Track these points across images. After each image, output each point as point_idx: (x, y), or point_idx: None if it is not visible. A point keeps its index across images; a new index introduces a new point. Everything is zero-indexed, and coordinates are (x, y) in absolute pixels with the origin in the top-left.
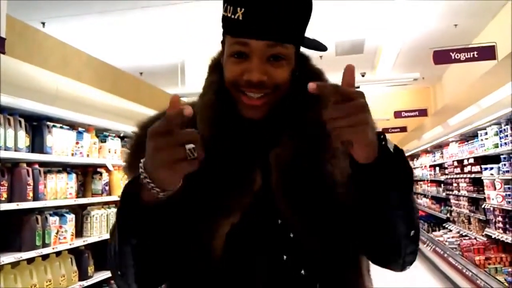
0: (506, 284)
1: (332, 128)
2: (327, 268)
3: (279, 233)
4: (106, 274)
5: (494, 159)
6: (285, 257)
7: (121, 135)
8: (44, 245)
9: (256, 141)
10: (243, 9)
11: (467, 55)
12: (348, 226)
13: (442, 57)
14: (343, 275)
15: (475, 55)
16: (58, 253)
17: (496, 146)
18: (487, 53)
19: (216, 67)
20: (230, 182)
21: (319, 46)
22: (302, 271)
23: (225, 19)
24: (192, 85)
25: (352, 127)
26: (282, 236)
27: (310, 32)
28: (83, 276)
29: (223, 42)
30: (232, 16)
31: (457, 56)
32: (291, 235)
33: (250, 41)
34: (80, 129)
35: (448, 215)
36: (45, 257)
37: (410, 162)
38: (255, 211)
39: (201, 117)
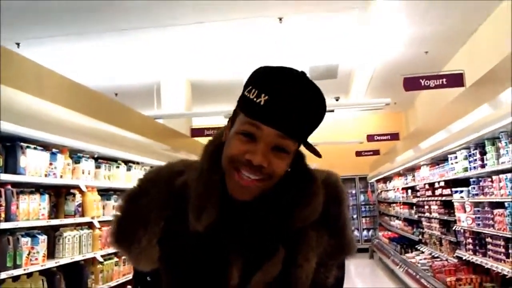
0: None
1: None
2: None
3: None
4: None
5: (463, 182)
6: None
7: (95, 156)
8: (15, 266)
9: (240, 233)
10: (267, 97)
11: (436, 82)
12: None
13: (412, 83)
14: None
15: (444, 82)
16: (29, 275)
17: (465, 169)
18: (455, 80)
19: (213, 152)
20: (210, 273)
21: (315, 151)
22: None
23: (245, 100)
24: (167, 107)
25: None
26: None
27: (287, 56)
28: None
29: (232, 120)
30: (255, 100)
31: (427, 83)
32: None
33: (264, 127)
34: (54, 150)
35: (420, 237)
36: (15, 278)
37: (383, 185)
38: None
39: (196, 210)
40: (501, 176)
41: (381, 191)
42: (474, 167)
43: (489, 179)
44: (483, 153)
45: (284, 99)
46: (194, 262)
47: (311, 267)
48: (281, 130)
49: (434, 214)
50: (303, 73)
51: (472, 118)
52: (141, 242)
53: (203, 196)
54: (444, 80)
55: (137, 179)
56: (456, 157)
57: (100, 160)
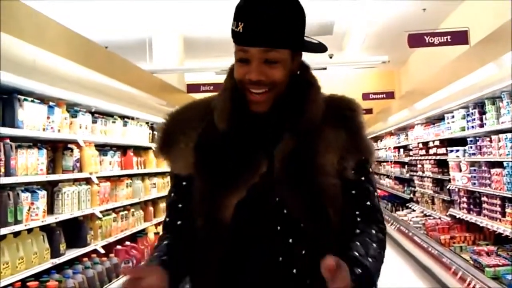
0: (471, 262)
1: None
2: (311, 239)
3: (276, 209)
4: (78, 251)
5: (459, 141)
6: (279, 227)
7: (92, 110)
8: (16, 222)
9: (263, 133)
10: (242, 23)
11: (441, 39)
12: (331, 208)
13: (416, 40)
14: (325, 246)
15: (448, 39)
16: (30, 230)
17: (463, 129)
18: (459, 37)
19: (232, 71)
20: (241, 165)
21: (317, 48)
22: (290, 240)
23: (232, 32)
24: (159, 62)
25: None
26: (277, 211)
27: None
28: (55, 253)
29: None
30: (235, 29)
31: (431, 40)
32: (285, 211)
33: (249, 49)
34: (50, 103)
35: (411, 195)
36: (16, 234)
37: (374, 144)
38: (258, 189)
39: (219, 112)
40: (500, 135)
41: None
42: (472, 127)
43: (488, 139)
44: (482, 112)
45: (255, 20)
46: (225, 158)
47: (333, 158)
48: (262, 45)
49: (427, 173)
50: None
51: (475, 77)
52: (179, 145)
53: (225, 102)
54: (449, 37)
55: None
56: (453, 116)
57: (96, 114)
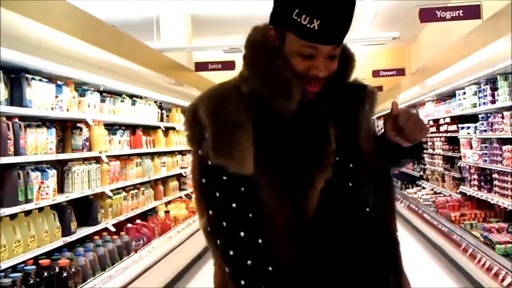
0: (482, 239)
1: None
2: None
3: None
4: (89, 230)
5: (471, 118)
6: (368, 209)
7: (101, 89)
8: (27, 200)
9: (315, 118)
10: (319, 21)
11: (453, 13)
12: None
13: (427, 15)
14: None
15: (461, 14)
16: (41, 209)
17: (474, 105)
18: (472, 12)
19: (269, 51)
20: (316, 145)
21: None
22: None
23: (298, 25)
24: (167, 40)
25: (423, 131)
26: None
27: None
28: (66, 232)
29: (278, 32)
30: (309, 25)
31: (443, 14)
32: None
33: (320, 46)
34: (59, 82)
35: (421, 173)
36: (27, 213)
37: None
38: (339, 168)
39: (283, 97)
40: None
41: (381, 128)
42: (484, 103)
43: (499, 115)
44: (494, 88)
45: (332, 19)
46: (292, 141)
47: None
48: (335, 44)
49: (438, 151)
50: None
51: (488, 52)
52: (241, 143)
53: (286, 80)
54: (461, 11)
55: (197, 99)
56: (464, 93)
57: (104, 93)
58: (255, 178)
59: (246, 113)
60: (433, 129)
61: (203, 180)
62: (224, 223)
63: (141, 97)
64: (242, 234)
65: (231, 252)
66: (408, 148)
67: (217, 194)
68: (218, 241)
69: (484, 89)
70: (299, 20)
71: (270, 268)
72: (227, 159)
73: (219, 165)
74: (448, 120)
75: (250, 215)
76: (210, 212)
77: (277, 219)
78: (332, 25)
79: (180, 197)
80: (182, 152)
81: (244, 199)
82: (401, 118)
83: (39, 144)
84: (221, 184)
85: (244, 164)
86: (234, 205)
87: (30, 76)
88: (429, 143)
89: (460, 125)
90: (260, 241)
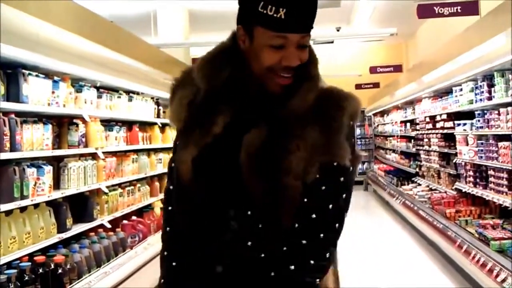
0: (477, 235)
1: None
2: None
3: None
4: (85, 226)
5: (467, 115)
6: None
7: (98, 85)
8: (23, 197)
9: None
10: (285, 10)
11: (451, 9)
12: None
13: (426, 11)
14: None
15: (459, 10)
16: (36, 206)
17: (470, 102)
18: (470, 8)
19: (229, 57)
20: (199, 123)
21: None
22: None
23: (264, 16)
24: (165, 36)
25: None
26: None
27: None
28: (61, 228)
29: (246, 31)
30: (275, 15)
31: (441, 10)
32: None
33: (288, 35)
34: (55, 78)
35: (417, 169)
36: (23, 209)
37: (381, 118)
38: (212, 151)
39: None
40: (509, 108)
41: (377, 125)
42: (481, 100)
43: (496, 112)
44: (491, 85)
45: (298, 6)
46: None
47: (302, 157)
48: (304, 32)
49: (434, 147)
50: None
51: (485, 49)
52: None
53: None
54: (459, 7)
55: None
56: (461, 90)
57: (101, 89)
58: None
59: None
60: (430, 125)
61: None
62: (166, 205)
63: (138, 93)
64: (170, 208)
65: (167, 229)
66: None
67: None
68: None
69: (480, 86)
70: (265, 12)
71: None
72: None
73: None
74: (444, 116)
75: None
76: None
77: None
78: (298, 13)
79: None
80: None
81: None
82: None
83: (35, 140)
84: (170, 172)
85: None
86: (171, 187)
87: (26, 72)
88: (425, 140)
89: (456, 122)
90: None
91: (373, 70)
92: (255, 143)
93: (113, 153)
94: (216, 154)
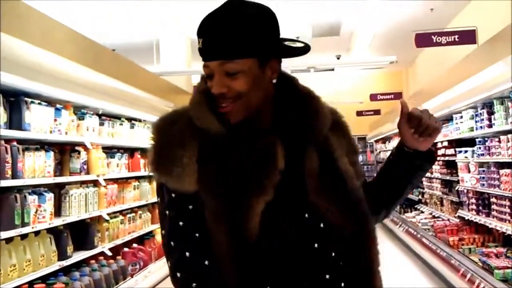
0: (480, 264)
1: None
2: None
3: (309, 212)
4: (85, 254)
5: (468, 142)
6: (316, 245)
7: (100, 112)
8: (23, 224)
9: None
10: (201, 40)
11: (448, 38)
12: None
13: (423, 40)
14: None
15: (456, 39)
16: (37, 233)
17: (471, 129)
18: (467, 37)
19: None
20: (257, 164)
21: (296, 51)
22: (316, 244)
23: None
24: (167, 64)
25: (438, 122)
26: (312, 217)
27: (287, 14)
28: (62, 256)
29: None
30: (198, 46)
31: (439, 39)
32: (320, 220)
33: (209, 63)
34: (58, 105)
35: (420, 197)
36: (23, 237)
37: (382, 145)
38: (285, 189)
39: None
40: (509, 136)
41: (379, 152)
42: (481, 127)
43: (496, 139)
44: (491, 112)
45: (210, 36)
46: (232, 162)
47: (347, 161)
48: (218, 59)
49: (436, 174)
50: (228, 2)
51: (483, 77)
52: (182, 160)
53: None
54: (456, 36)
55: (159, 117)
56: (461, 117)
57: (103, 117)
58: (201, 197)
59: (191, 133)
60: None
61: (158, 199)
62: (172, 243)
63: (140, 120)
64: (187, 254)
65: (178, 274)
66: (425, 152)
67: (167, 212)
68: (168, 262)
69: (480, 113)
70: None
71: None
72: (166, 175)
73: (163, 182)
74: (445, 143)
75: (197, 234)
76: (163, 231)
77: (220, 241)
78: (210, 41)
79: None
80: None
81: (191, 217)
82: (416, 113)
83: (37, 167)
84: (170, 202)
85: (183, 181)
86: (181, 223)
87: (29, 100)
88: None
89: (457, 149)
90: (206, 262)
91: (373, 97)
92: (313, 164)
93: (115, 180)
94: (285, 192)
